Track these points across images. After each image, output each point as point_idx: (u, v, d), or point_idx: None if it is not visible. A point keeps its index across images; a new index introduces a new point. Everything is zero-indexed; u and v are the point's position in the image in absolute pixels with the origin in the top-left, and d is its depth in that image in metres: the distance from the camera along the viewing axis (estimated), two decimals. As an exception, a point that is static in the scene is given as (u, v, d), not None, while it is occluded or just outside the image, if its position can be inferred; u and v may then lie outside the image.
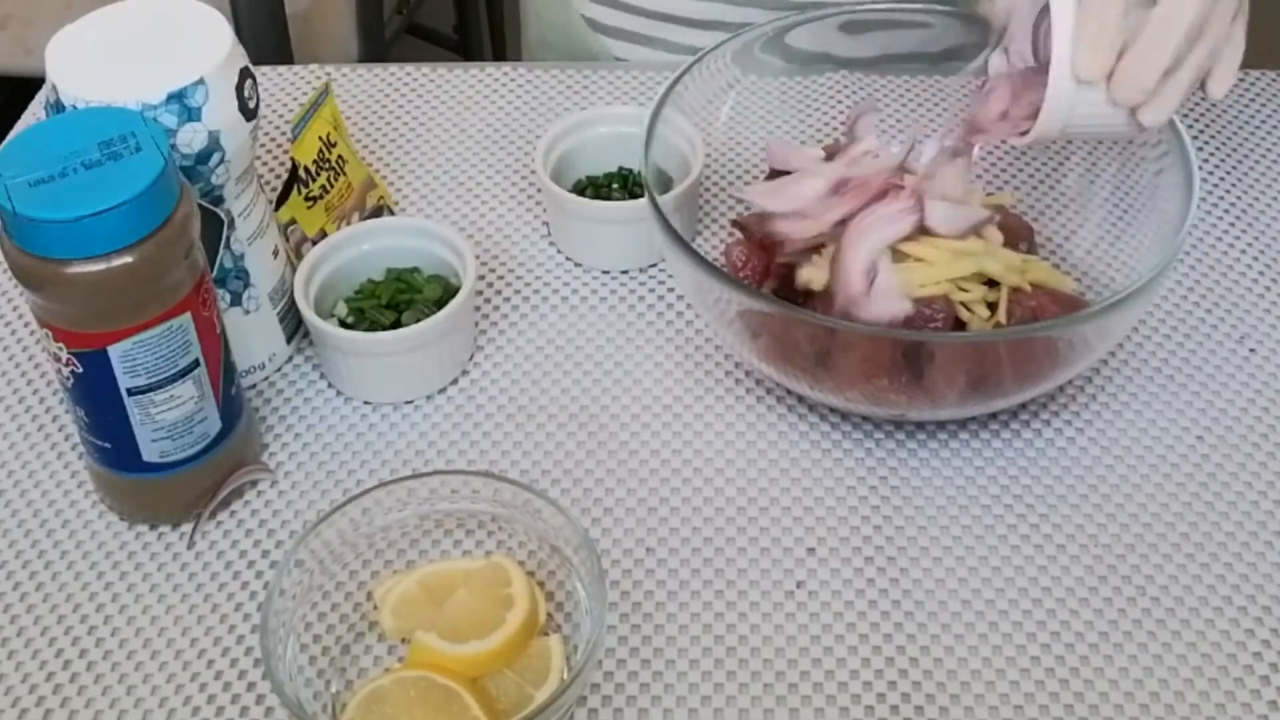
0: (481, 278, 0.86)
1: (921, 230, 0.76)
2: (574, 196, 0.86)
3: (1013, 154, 0.90)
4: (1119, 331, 0.75)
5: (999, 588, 0.70)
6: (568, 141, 0.89)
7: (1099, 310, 0.71)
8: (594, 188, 0.89)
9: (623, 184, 0.89)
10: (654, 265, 0.87)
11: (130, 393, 0.68)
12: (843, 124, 0.94)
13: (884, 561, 0.72)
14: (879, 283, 0.73)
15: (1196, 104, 0.97)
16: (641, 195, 0.83)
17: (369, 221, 0.84)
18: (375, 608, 0.69)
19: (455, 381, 0.81)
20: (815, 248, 0.78)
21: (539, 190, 0.91)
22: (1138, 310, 0.74)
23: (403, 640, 0.69)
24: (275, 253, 0.79)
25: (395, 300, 0.80)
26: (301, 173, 0.81)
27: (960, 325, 0.76)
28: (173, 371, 0.69)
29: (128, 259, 0.64)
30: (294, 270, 0.80)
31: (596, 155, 0.90)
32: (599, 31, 1.07)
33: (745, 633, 0.69)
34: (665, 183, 0.83)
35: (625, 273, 0.87)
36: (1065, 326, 0.73)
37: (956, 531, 0.73)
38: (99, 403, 0.69)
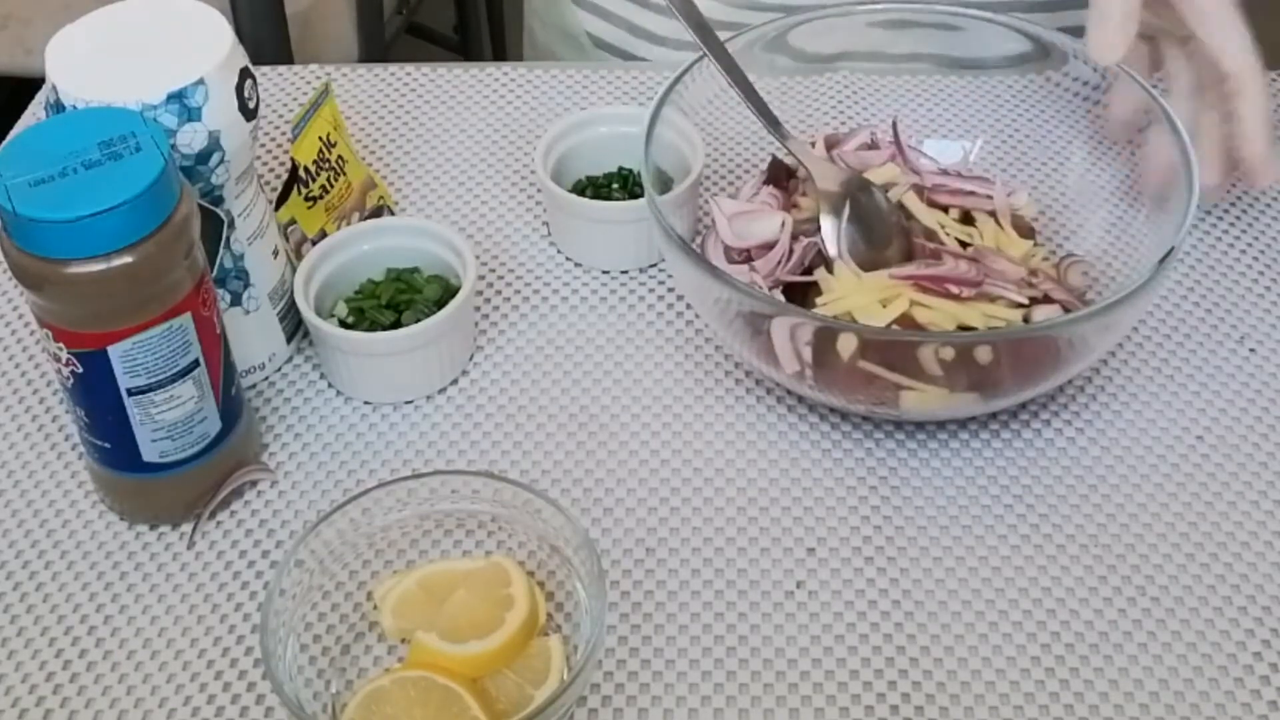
0: (481, 278, 0.86)
1: (931, 287, 0.76)
2: (574, 196, 0.86)
3: (1014, 153, 0.90)
4: (1119, 330, 0.75)
5: (999, 588, 0.70)
6: (568, 141, 0.89)
7: (1099, 309, 0.71)
8: (594, 188, 0.89)
9: (623, 184, 0.89)
10: (654, 265, 0.87)
11: (130, 393, 0.68)
12: (843, 125, 0.94)
13: (884, 561, 0.72)
14: (811, 357, 0.73)
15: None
16: (641, 195, 0.83)
17: (369, 221, 0.84)
18: (375, 608, 0.69)
19: (455, 381, 0.81)
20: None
21: (539, 190, 0.91)
22: (1138, 309, 0.74)
23: (403, 640, 0.69)
24: (275, 253, 0.79)
25: (395, 300, 0.80)
26: (301, 173, 0.81)
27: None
28: (173, 371, 0.69)
29: (128, 259, 0.64)
30: (294, 270, 0.80)
31: (596, 155, 0.90)
32: (577, 5, 1.08)
33: (745, 633, 0.69)
34: (665, 183, 0.83)
35: (625, 273, 0.87)
36: (1065, 326, 0.73)
37: (956, 531, 0.73)
38: (99, 403, 0.69)
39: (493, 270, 0.87)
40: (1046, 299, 0.77)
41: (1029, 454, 0.77)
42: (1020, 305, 0.76)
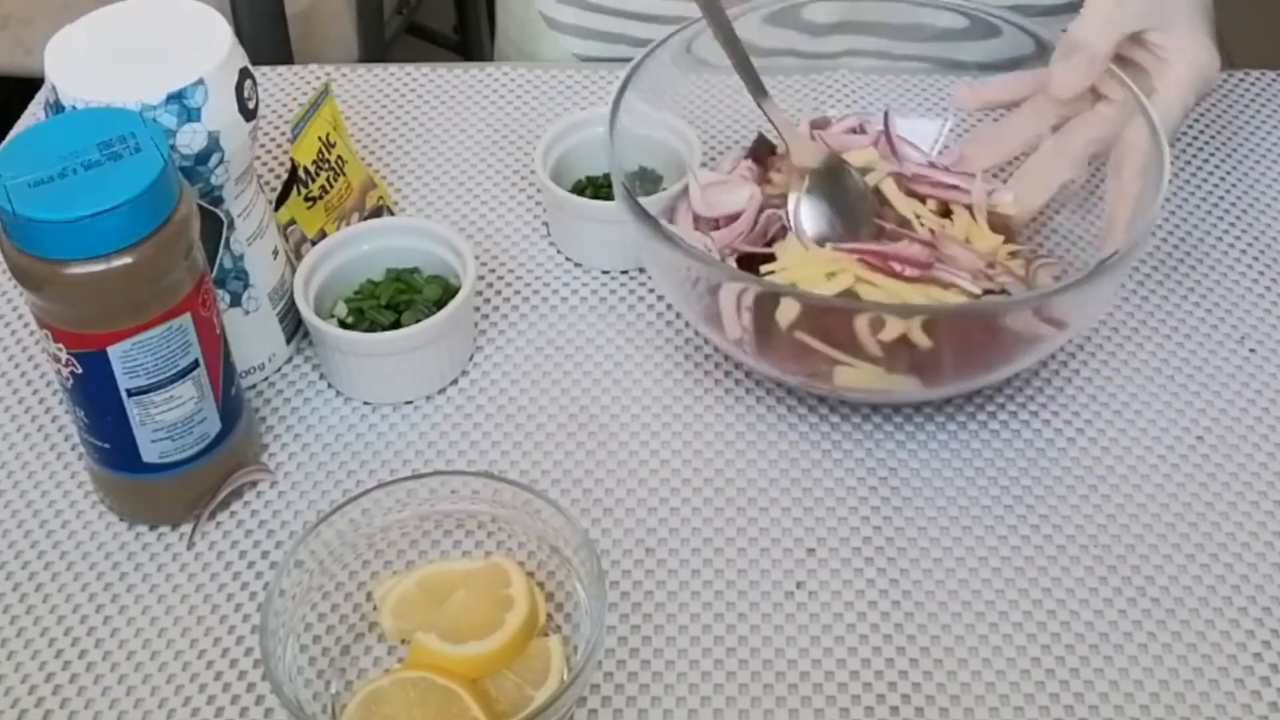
0: (481, 278, 0.86)
1: (880, 266, 0.76)
2: (573, 196, 0.86)
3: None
4: (1067, 328, 0.74)
5: (999, 588, 0.70)
6: (567, 141, 0.89)
7: (1028, 298, 0.72)
8: (594, 188, 0.89)
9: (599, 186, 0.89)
10: None
11: (130, 393, 0.68)
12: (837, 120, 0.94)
13: (884, 562, 0.72)
14: (753, 324, 0.73)
15: (1198, 103, 0.97)
16: (641, 195, 0.83)
17: (369, 222, 0.84)
18: (375, 608, 0.69)
19: (455, 381, 0.81)
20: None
21: (539, 190, 0.91)
22: (1078, 303, 0.73)
23: (402, 641, 0.69)
24: (275, 253, 0.79)
25: (395, 300, 0.80)
26: (301, 173, 0.81)
27: None
28: (172, 372, 0.69)
29: (127, 259, 0.64)
30: (294, 270, 0.80)
31: (596, 155, 0.89)
32: (557, 30, 1.07)
33: (745, 633, 0.69)
34: (655, 181, 0.83)
35: (625, 273, 0.87)
36: (990, 309, 0.73)
37: (957, 532, 0.73)
38: (99, 403, 0.69)
39: (493, 270, 0.87)
40: (1003, 292, 0.77)
41: (1029, 454, 0.76)
42: (974, 295, 0.76)
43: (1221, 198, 0.90)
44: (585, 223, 0.86)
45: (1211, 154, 0.93)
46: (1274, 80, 0.99)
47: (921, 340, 0.70)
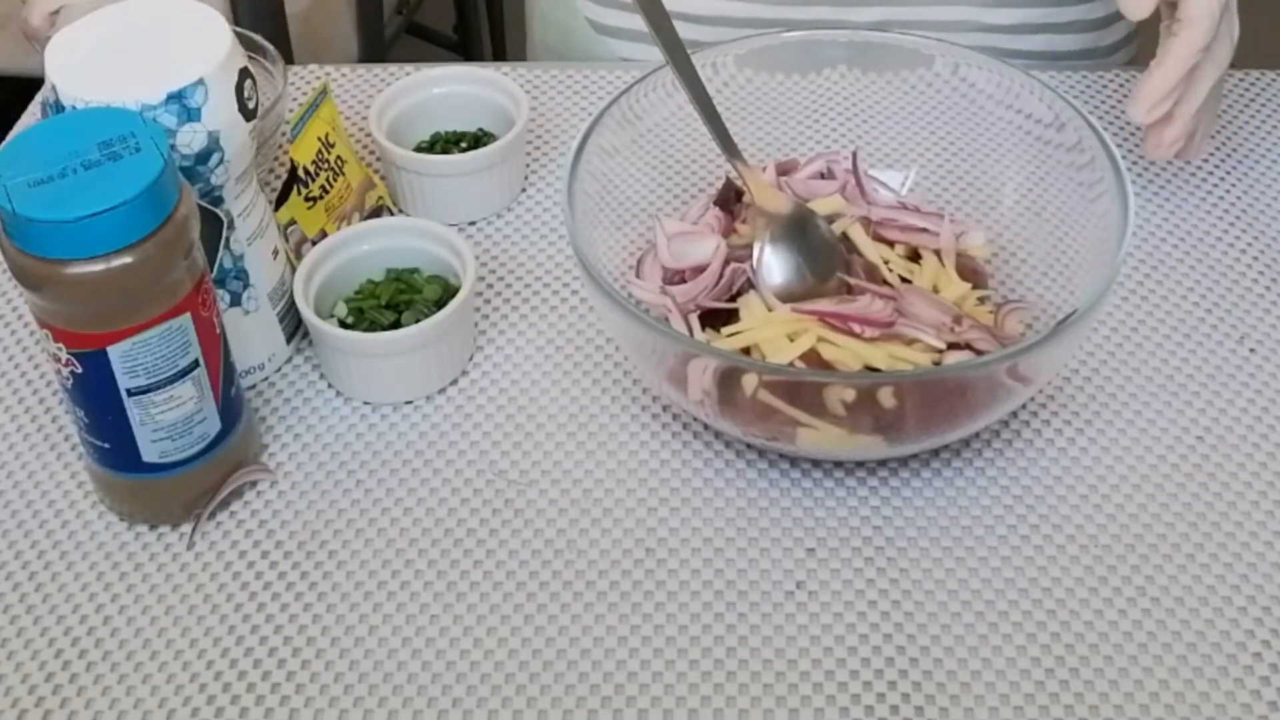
0: (481, 278, 0.86)
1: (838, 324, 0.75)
2: (427, 155, 0.89)
3: (945, 183, 0.88)
4: (1030, 384, 0.73)
5: (999, 588, 0.70)
6: (400, 104, 0.91)
7: (983, 361, 0.71)
8: (433, 149, 0.92)
9: (451, 142, 0.92)
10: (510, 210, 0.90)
11: (130, 393, 0.68)
12: (837, 129, 0.94)
13: (884, 562, 0.72)
14: (715, 388, 0.72)
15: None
16: (474, 148, 0.90)
17: (369, 221, 0.84)
18: None
19: (455, 381, 0.81)
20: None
21: (539, 190, 0.91)
22: (1038, 364, 0.72)
23: None
24: (275, 253, 0.79)
25: (395, 300, 0.80)
26: (300, 173, 0.81)
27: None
28: (172, 372, 0.69)
29: (127, 259, 0.64)
30: (294, 270, 0.80)
31: (430, 116, 0.93)
32: (604, 34, 1.06)
33: (745, 633, 0.69)
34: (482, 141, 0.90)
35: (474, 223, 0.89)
36: (943, 373, 0.72)
37: (957, 532, 0.73)
38: (98, 403, 0.69)
39: (493, 270, 0.87)
40: (968, 346, 0.76)
41: (1029, 454, 0.77)
42: (938, 351, 0.75)
43: (1221, 198, 0.90)
44: (437, 180, 0.88)
45: (1212, 154, 0.93)
46: (1274, 80, 0.99)
47: (886, 399, 0.70)
